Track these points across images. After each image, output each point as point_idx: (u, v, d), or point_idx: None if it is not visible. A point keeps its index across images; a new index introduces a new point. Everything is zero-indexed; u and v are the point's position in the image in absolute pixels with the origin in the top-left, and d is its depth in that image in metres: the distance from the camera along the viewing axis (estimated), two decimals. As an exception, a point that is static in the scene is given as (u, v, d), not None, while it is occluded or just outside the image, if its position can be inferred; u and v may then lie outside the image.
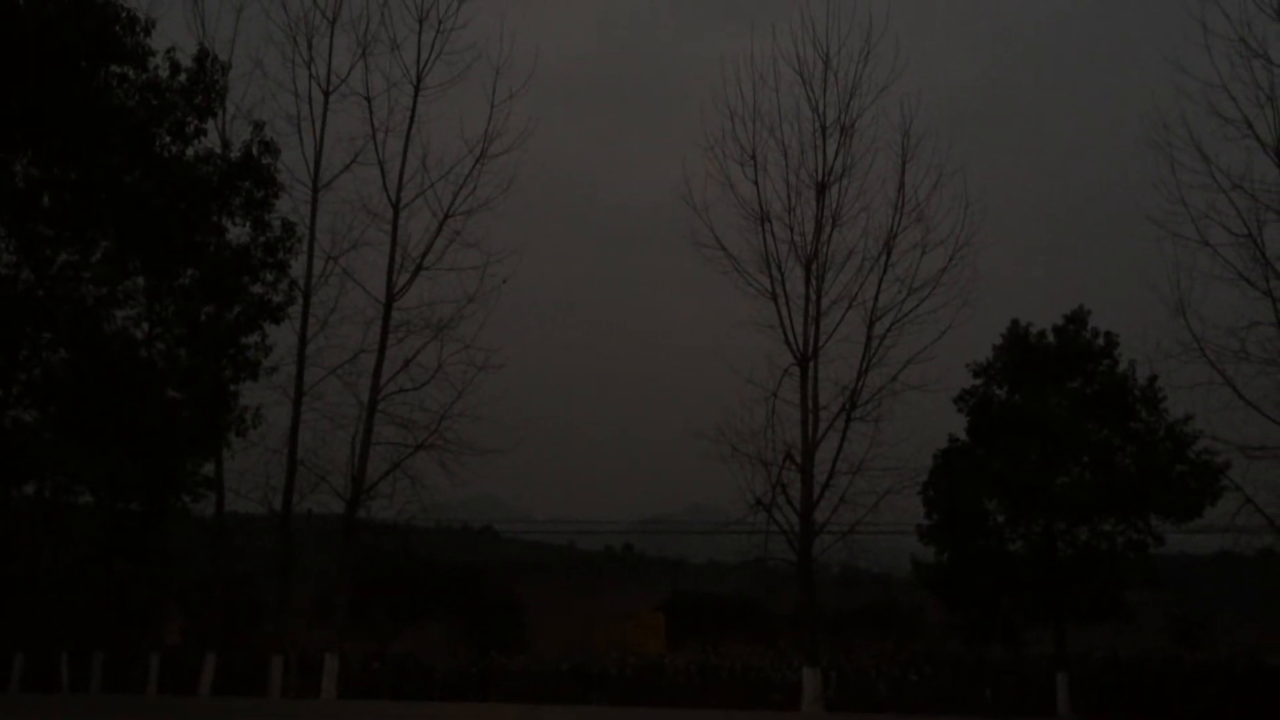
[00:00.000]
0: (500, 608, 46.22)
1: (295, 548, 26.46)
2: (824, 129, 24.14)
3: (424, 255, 25.34)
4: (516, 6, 30.51)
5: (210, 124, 27.18)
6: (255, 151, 27.05)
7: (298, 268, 26.57)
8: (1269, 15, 20.47)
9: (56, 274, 25.80)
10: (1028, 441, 25.18)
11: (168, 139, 26.62)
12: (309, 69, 26.51)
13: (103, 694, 27.30)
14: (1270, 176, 20.24)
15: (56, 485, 28.66)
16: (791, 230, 23.89)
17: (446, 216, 25.45)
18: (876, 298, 23.49)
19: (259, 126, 26.97)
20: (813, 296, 23.58)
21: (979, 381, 26.51)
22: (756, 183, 24.15)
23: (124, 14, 25.50)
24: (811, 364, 23.38)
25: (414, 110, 25.93)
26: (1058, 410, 25.44)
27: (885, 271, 23.52)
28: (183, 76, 26.55)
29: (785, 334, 23.51)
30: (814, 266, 23.66)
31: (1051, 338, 26.31)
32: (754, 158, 24.19)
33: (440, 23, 26.15)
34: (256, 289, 26.93)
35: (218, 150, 27.18)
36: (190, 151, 26.93)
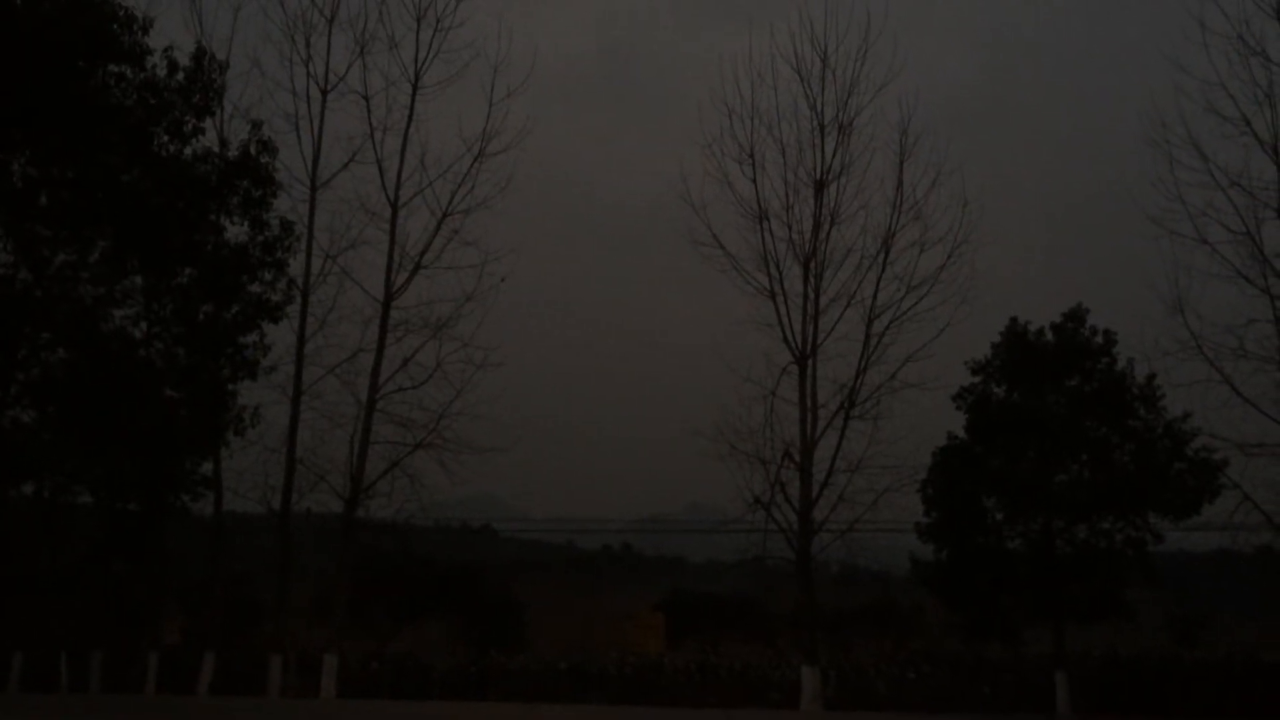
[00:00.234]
0: (499, 607, 46.23)
1: (294, 547, 26.42)
2: (822, 127, 24.18)
3: (422, 254, 25.35)
4: (514, 5, 30.56)
5: (208, 123, 27.25)
6: (253, 150, 27.06)
7: (296, 267, 26.59)
8: (1267, 13, 20.52)
9: (54, 273, 25.81)
10: (1026, 439, 25.18)
11: (165, 138, 26.64)
12: (307, 68, 26.49)
13: (102, 694, 27.28)
14: (1268, 174, 20.31)
15: (55, 485, 28.62)
16: (790, 228, 23.93)
17: (445, 215, 25.46)
18: (875, 296, 23.53)
19: (257, 125, 27.01)
20: (811, 295, 23.61)
21: (977, 379, 26.51)
22: (755, 181, 24.20)
23: (121, 13, 25.52)
24: (810, 362, 23.40)
25: (412, 109, 25.94)
26: (1056, 408, 25.44)
27: (883, 270, 23.57)
28: (180, 75, 26.55)
29: (784, 332, 23.54)
30: (812, 265, 23.68)
31: (1050, 335, 26.31)
32: (752, 156, 24.23)
33: (438, 21, 26.17)
34: (255, 288, 26.94)
35: (216, 149, 27.19)
36: (188, 150, 26.96)
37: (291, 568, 26.78)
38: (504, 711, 24.15)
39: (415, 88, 25.99)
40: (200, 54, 26.75)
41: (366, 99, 26.01)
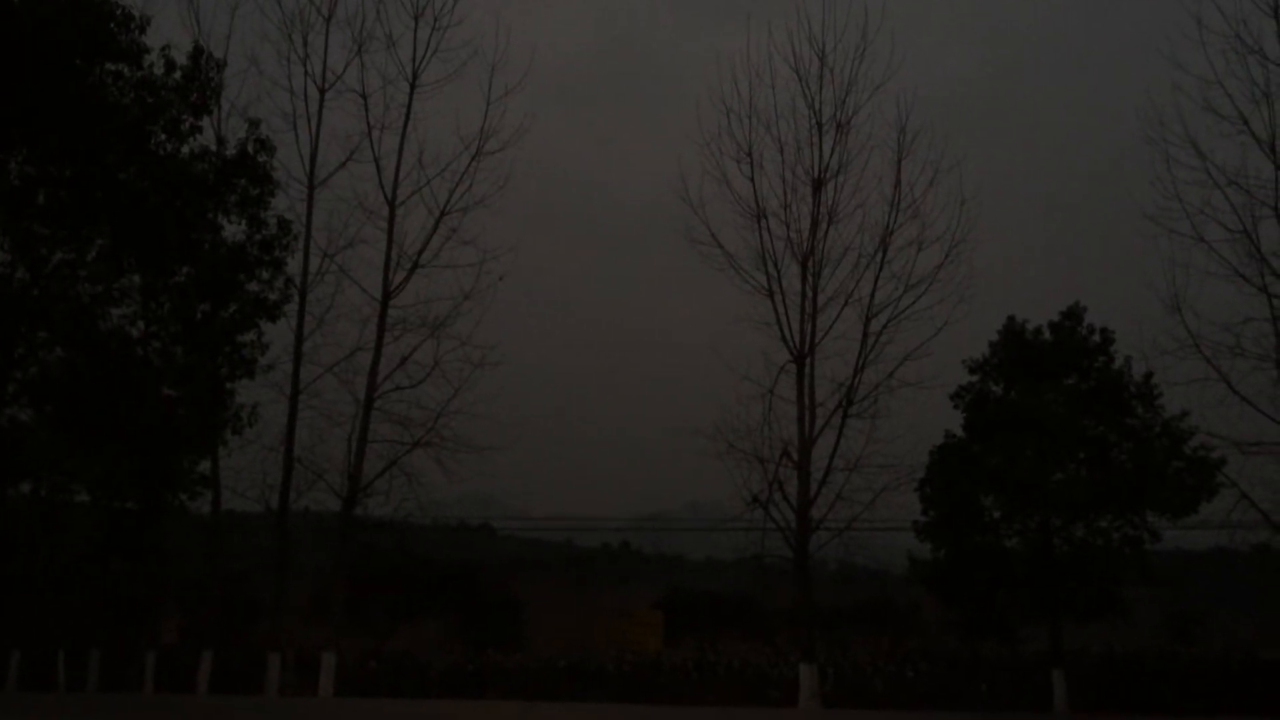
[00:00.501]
0: (497, 605, 46.25)
1: (292, 545, 26.42)
2: (820, 126, 24.17)
3: (420, 253, 25.33)
4: (512, 4, 30.49)
5: (206, 122, 27.20)
6: (251, 149, 27.05)
7: (294, 265, 26.58)
8: (1265, 11, 20.53)
9: (52, 272, 25.79)
10: (1024, 438, 25.20)
11: (163, 137, 26.61)
12: (304, 66, 26.49)
13: (100, 693, 27.28)
14: (1265, 172, 20.32)
15: (53, 483, 28.65)
16: (788, 227, 23.93)
17: (443, 214, 25.44)
18: (873, 294, 23.52)
19: (254, 124, 26.99)
20: (809, 293, 23.61)
21: (975, 378, 26.53)
22: (753, 180, 24.17)
23: (119, 11, 25.49)
24: (808, 361, 23.40)
25: (410, 107, 25.93)
26: (1054, 407, 25.46)
27: (881, 268, 23.56)
28: (178, 74, 26.52)
29: (782, 331, 23.54)
30: (810, 263, 23.67)
31: (1047, 334, 26.33)
32: (750, 155, 24.20)
33: (436, 19, 26.16)
34: (252, 287, 26.93)
35: (213, 148, 27.17)
36: (186, 149, 26.92)
37: (289, 566, 26.77)
38: (503, 710, 24.16)
39: (413, 86, 26.00)
40: (198, 53, 26.72)
41: (364, 97, 26.03)
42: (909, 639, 32.63)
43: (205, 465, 27.53)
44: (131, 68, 26.14)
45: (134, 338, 27.16)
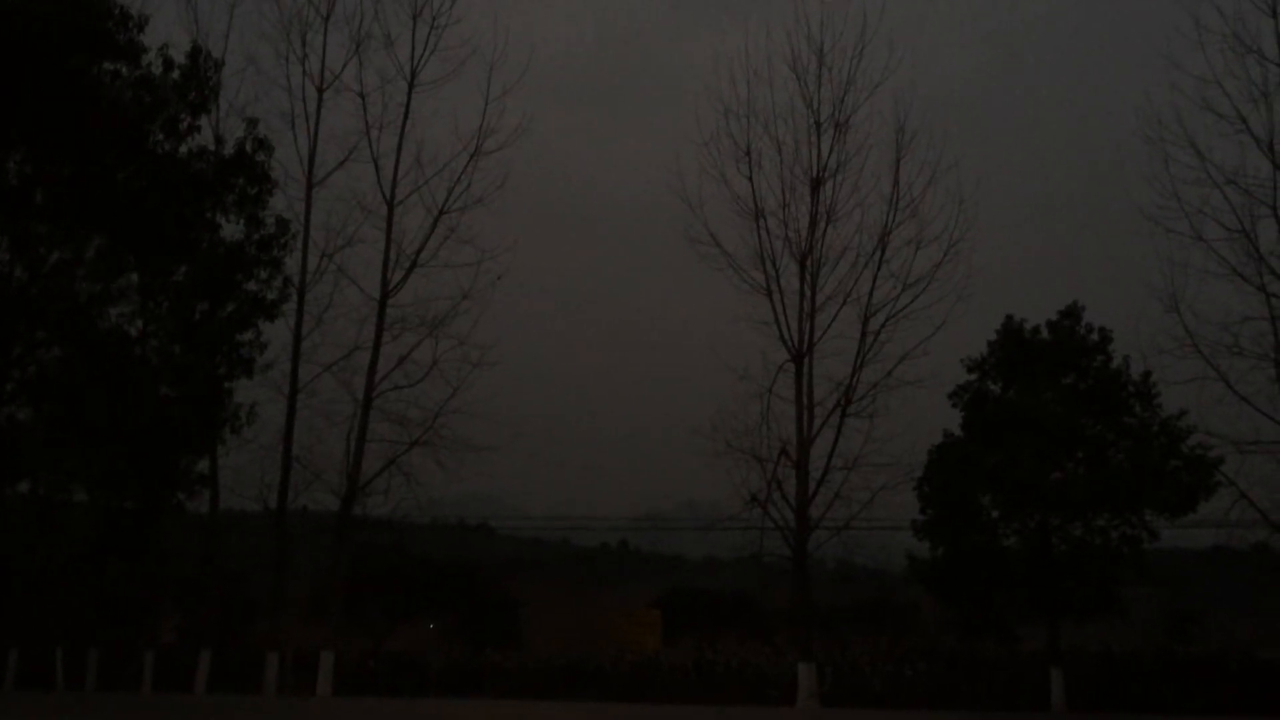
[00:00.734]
0: (495, 604, 46.28)
1: (290, 544, 26.42)
2: (818, 125, 24.16)
3: (419, 252, 25.33)
4: (510, 3, 30.46)
5: (204, 121, 27.28)
6: (249, 148, 27.06)
7: (292, 264, 26.59)
8: (1263, 11, 20.54)
9: (50, 271, 25.82)
10: (1022, 437, 25.16)
11: (161, 136, 26.65)
12: (303, 65, 26.47)
13: (98, 691, 27.27)
14: (1264, 171, 20.34)
15: (50, 483, 28.63)
16: (786, 226, 23.92)
17: (441, 213, 25.45)
18: (871, 294, 23.53)
19: (252, 123, 27.00)
20: (807, 292, 23.62)
21: (973, 377, 26.50)
22: (751, 179, 24.17)
23: (117, 10, 25.50)
24: (806, 360, 23.40)
25: (408, 106, 25.94)
26: (1052, 406, 25.43)
27: (880, 267, 23.57)
28: (176, 73, 26.55)
29: (780, 330, 23.53)
30: (808, 262, 23.67)
31: (1046, 333, 26.30)
32: (748, 154, 24.20)
33: (434, 19, 26.17)
34: (251, 286, 26.94)
35: (211, 147, 27.20)
36: (184, 148, 26.99)
37: (287, 566, 26.78)
38: (501, 709, 24.17)
39: (411, 85, 26.01)
40: (196, 52, 26.75)
41: (362, 96, 26.02)
42: (907, 638, 32.64)
43: (203, 464, 27.55)
44: (129, 67, 26.17)
45: (132, 337, 27.18)
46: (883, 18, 27.33)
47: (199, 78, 26.70)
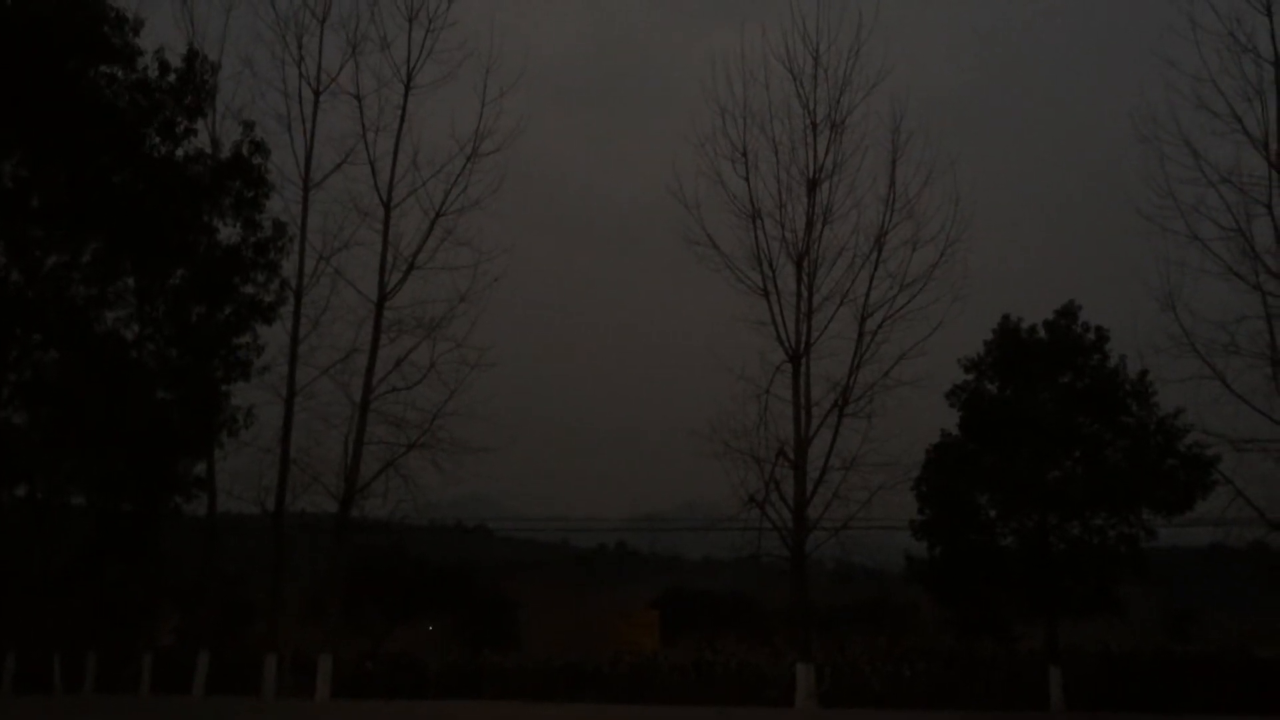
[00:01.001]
0: (493, 606, 46.27)
1: (288, 547, 26.41)
2: (814, 126, 24.19)
3: (415, 254, 25.33)
4: (506, 4, 30.49)
5: (200, 124, 27.26)
6: (245, 151, 27.05)
7: (289, 267, 26.58)
8: (1258, 10, 20.56)
9: (46, 275, 25.83)
10: (1019, 436, 25.21)
11: (157, 139, 26.67)
12: (299, 68, 26.44)
13: (96, 694, 27.25)
14: (1259, 170, 20.37)
15: (48, 486, 28.61)
16: (783, 227, 23.95)
17: (438, 215, 25.45)
18: (868, 294, 23.56)
19: (249, 126, 26.99)
20: (804, 293, 23.64)
21: (970, 376, 26.54)
22: (747, 180, 24.19)
23: (113, 14, 25.51)
24: (803, 360, 23.42)
25: (404, 109, 25.94)
26: (1049, 405, 25.47)
27: (876, 268, 23.60)
28: (172, 76, 26.55)
29: (777, 330, 23.56)
30: (805, 263, 23.70)
31: (1042, 332, 26.35)
32: (745, 155, 24.23)
33: (430, 21, 26.16)
34: (248, 289, 26.94)
35: (208, 150, 27.20)
36: (180, 151, 27.00)
37: (285, 568, 26.77)
38: (500, 711, 24.19)
39: (407, 88, 26.00)
40: (192, 55, 26.74)
41: (359, 99, 26.01)
42: (905, 637, 32.65)
43: (201, 467, 27.52)
44: (125, 70, 26.17)
45: (129, 340, 27.17)
46: (878, 18, 27.43)
47: (195, 81, 26.69)
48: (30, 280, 25.75)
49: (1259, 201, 20.30)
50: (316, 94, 26.36)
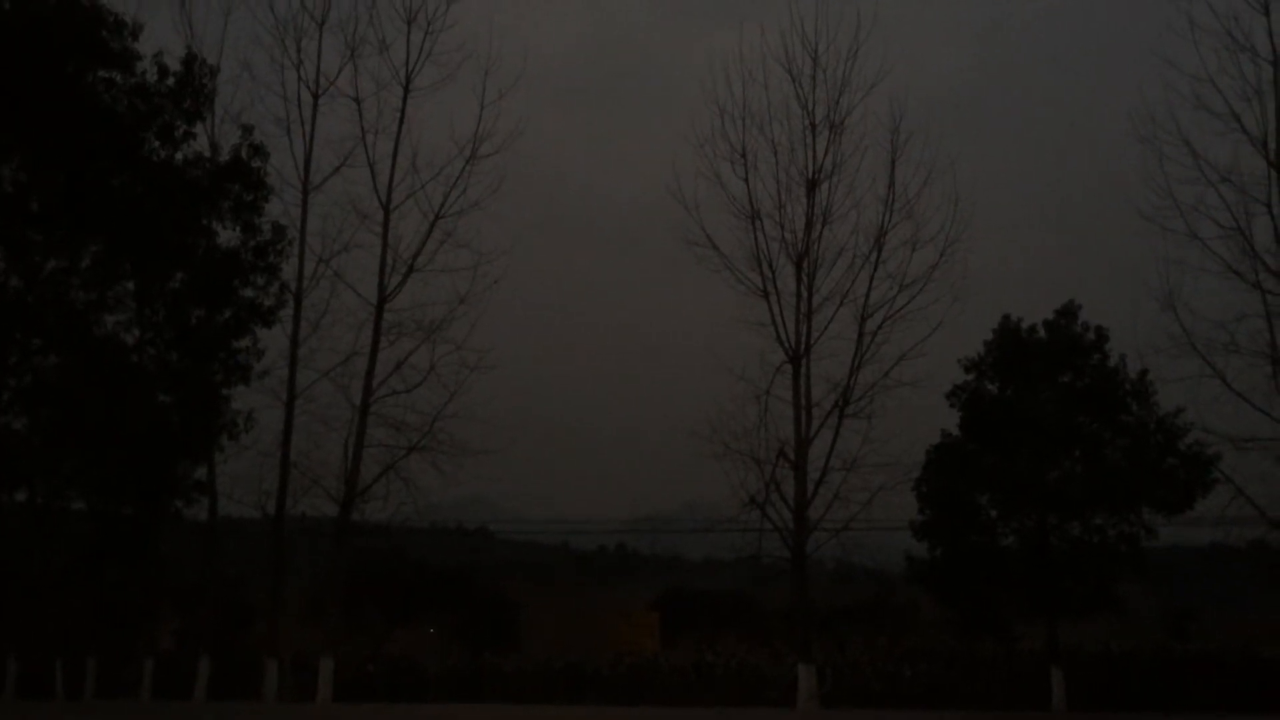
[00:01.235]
0: (494, 607, 46.29)
1: (288, 550, 26.38)
2: (813, 126, 24.14)
3: (415, 257, 25.27)
4: (505, 6, 30.48)
5: (199, 127, 27.24)
6: (244, 154, 27.03)
7: (288, 270, 26.53)
8: (1255, 9, 20.56)
9: (46, 279, 25.83)
10: (1019, 436, 25.22)
11: (156, 143, 26.66)
12: (298, 71, 26.38)
13: (98, 699, 27.25)
14: (1258, 169, 20.34)
15: (48, 491, 28.61)
16: (782, 228, 23.90)
17: (437, 217, 25.40)
18: (868, 294, 23.49)
19: (248, 129, 26.96)
20: (804, 294, 23.59)
21: (970, 377, 26.55)
22: (747, 181, 24.13)
23: (111, 18, 25.50)
24: (804, 361, 23.39)
25: (403, 111, 25.87)
26: (1049, 405, 25.49)
27: (876, 268, 23.52)
28: (170, 80, 26.55)
29: (777, 331, 23.51)
30: (805, 264, 23.67)
31: (1042, 332, 26.37)
32: (744, 156, 24.16)
33: (429, 24, 26.10)
34: (247, 292, 26.92)
35: (206, 154, 27.17)
36: (179, 155, 27.00)
37: (286, 571, 26.75)
38: (501, 713, 24.18)
39: (406, 90, 25.94)
40: (190, 59, 26.72)
41: (358, 102, 25.96)
42: (906, 638, 32.68)
43: (201, 471, 27.48)
44: (124, 74, 26.18)
45: (128, 344, 27.17)
46: (877, 19, 27.28)
47: (194, 84, 26.68)
48: (30, 284, 25.75)
49: (1258, 200, 20.28)
50: (315, 97, 26.34)
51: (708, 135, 24.27)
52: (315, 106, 26.32)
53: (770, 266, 23.77)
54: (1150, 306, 20.81)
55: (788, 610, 28.19)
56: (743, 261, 23.84)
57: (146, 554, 28.44)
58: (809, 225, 23.76)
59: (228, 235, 27.22)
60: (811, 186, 23.93)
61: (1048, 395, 25.66)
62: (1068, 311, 26.32)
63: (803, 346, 23.41)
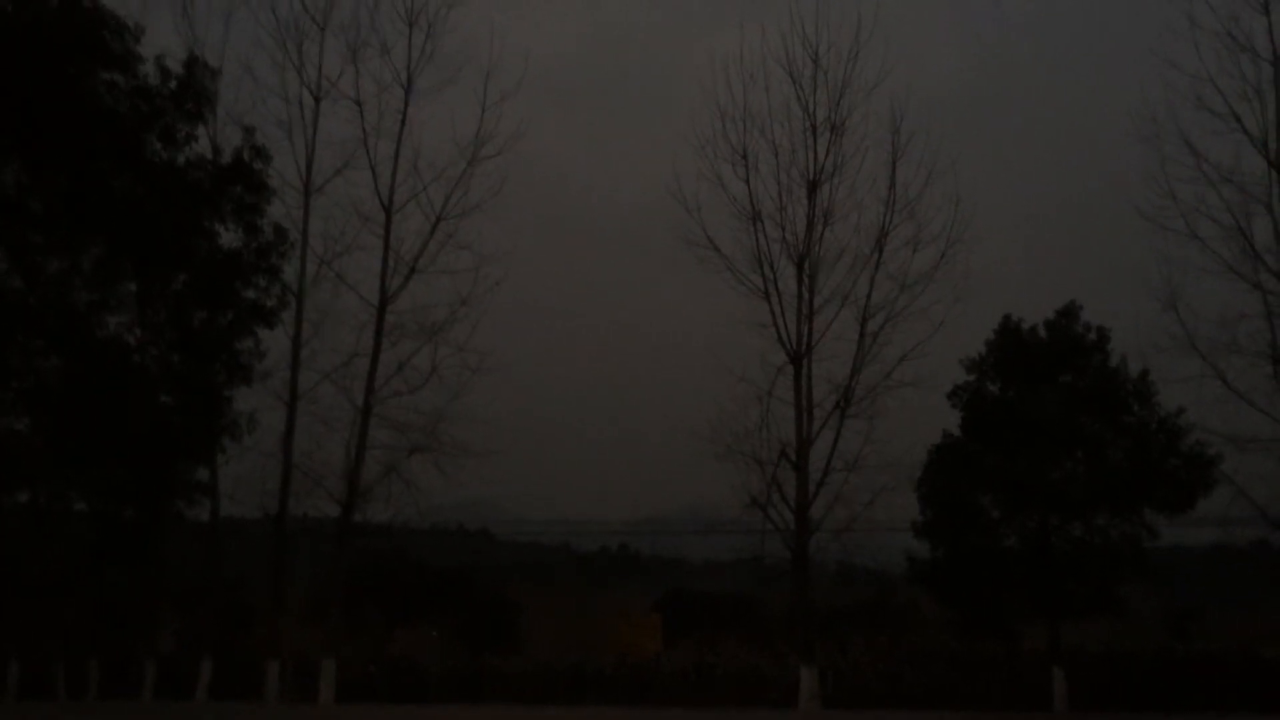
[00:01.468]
0: (495, 609, 46.32)
1: (290, 551, 26.38)
2: (814, 128, 24.12)
3: (417, 258, 25.28)
4: (505, 8, 30.54)
5: (200, 129, 27.23)
6: (246, 156, 27.04)
7: (290, 272, 26.51)
8: (1255, 9, 20.57)
9: (48, 280, 25.82)
10: (1021, 436, 25.23)
11: (158, 145, 26.68)
12: (299, 74, 26.36)
13: (100, 701, 27.26)
14: (1258, 169, 20.35)
15: (50, 492, 28.62)
16: (783, 229, 23.89)
17: (439, 219, 25.40)
18: (869, 295, 23.48)
19: (249, 132, 26.95)
20: (805, 295, 23.58)
21: (972, 377, 26.57)
22: (748, 182, 24.11)
23: (113, 20, 25.52)
24: (805, 362, 23.38)
25: (405, 113, 25.86)
26: (1050, 405, 25.48)
27: (877, 269, 23.51)
28: (172, 82, 26.56)
29: (778, 332, 23.51)
30: (806, 265, 23.66)
31: (1043, 332, 26.39)
32: (745, 157, 24.15)
33: (430, 26, 26.08)
34: (249, 294, 26.94)
35: (208, 155, 27.16)
36: (181, 157, 26.98)
37: (288, 572, 26.75)
38: (502, 714, 24.20)
39: (408, 92, 25.94)
40: (192, 61, 26.73)
41: (359, 104, 25.94)
42: (908, 638, 32.68)
43: (203, 472, 27.50)
44: (126, 76, 26.19)
45: (130, 345, 27.18)
46: (877, 19, 27.31)
47: (195, 87, 26.70)
48: (32, 286, 25.77)
49: (1258, 200, 20.30)
50: (317, 99, 26.33)
51: (708, 137, 24.28)
52: (317, 108, 26.33)
53: (771, 267, 23.78)
54: (1151, 306, 20.83)
55: (789, 611, 28.21)
56: (744, 263, 23.84)
57: (148, 555, 28.46)
58: (810, 226, 23.76)
59: (229, 237, 27.28)
60: (812, 187, 23.93)
61: (1049, 396, 25.67)
62: (1069, 312, 26.34)
63: (804, 347, 23.40)
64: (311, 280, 25.87)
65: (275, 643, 25.39)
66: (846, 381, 23.19)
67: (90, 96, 25.16)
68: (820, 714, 22.34)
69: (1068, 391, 25.73)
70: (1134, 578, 25.31)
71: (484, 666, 31.76)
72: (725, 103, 24.32)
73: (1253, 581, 32.68)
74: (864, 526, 23.17)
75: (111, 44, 25.57)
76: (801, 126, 24.18)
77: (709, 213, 24.11)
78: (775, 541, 22.98)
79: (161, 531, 28.42)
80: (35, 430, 26.69)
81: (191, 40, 27.26)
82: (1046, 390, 25.78)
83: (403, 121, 25.82)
